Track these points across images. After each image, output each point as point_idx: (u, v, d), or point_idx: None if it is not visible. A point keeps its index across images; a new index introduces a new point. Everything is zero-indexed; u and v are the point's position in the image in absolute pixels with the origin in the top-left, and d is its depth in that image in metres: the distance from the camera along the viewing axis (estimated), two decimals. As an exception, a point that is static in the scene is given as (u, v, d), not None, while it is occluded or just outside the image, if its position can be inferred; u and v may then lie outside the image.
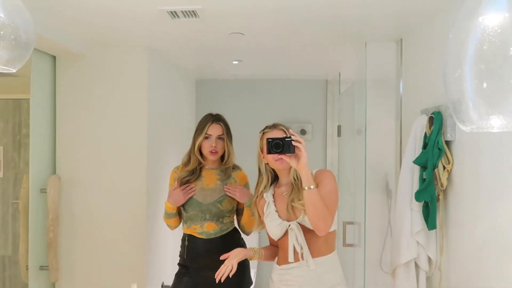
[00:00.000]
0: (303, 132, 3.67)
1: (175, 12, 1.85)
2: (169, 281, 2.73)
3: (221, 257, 1.69)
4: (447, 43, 0.94)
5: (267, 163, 1.65)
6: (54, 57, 2.41)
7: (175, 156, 2.97)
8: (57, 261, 2.34)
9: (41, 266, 2.34)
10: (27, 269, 2.30)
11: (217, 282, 1.64)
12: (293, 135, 1.52)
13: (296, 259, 1.57)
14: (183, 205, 1.98)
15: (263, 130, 1.68)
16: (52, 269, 2.32)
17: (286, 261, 1.60)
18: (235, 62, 3.01)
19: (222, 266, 1.64)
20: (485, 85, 0.88)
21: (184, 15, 1.89)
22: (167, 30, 2.15)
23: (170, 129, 2.96)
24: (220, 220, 1.96)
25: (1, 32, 0.97)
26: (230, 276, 1.64)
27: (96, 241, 2.42)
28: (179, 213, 2.03)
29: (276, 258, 1.71)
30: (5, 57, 0.98)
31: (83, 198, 2.43)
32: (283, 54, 2.81)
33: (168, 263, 2.85)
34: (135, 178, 2.42)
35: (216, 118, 1.96)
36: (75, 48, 2.28)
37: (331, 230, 1.58)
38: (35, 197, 2.28)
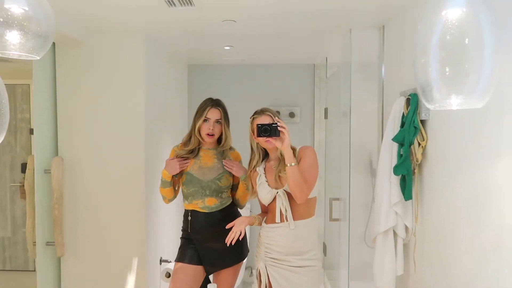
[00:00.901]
0: (291, 115, 3.81)
1: (172, 0, 1.97)
2: (167, 256, 2.91)
3: (227, 226, 1.95)
4: (416, 33, 1.10)
5: (258, 143, 1.95)
6: (53, 43, 2.50)
7: (170, 137, 3.11)
8: (62, 237, 2.48)
9: (47, 242, 2.47)
10: (34, 245, 2.43)
11: (228, 245, 1.91)
12: (279, 122, 1.85)
13: (281, 220, 1.89)
14: (183, 183, 2.14)
15: (253, 115, 1.97)
16: (58, 245, 2.46)
17: (273, 221, 1.92)
18: (227, 48, 3.13)
19: (231, 232, 1.92)
20: (446, 69, 1.04)
21: (181, 4, 2.01)
22: (164, 17, 2.25)
23: (165, 111, 3.08)
24: (219, 195, 2.13)
25: (25, 24, 1.09)
26: (240, 239, 1.94)
27: (99, 218, 2.56)
28: (174, 186, 2.18)
29: (265, 218, 2.00)
30: (30, 46, 1.10)
31: (85, 177, 2.55)
32: (272, 40, 2.93)
33: (166, 239, 3.02)
34: (134, 157, 2.55)
35: (215, 103, 2.10)
36: (74, 34, 2.37)
37: (311, 197, 1.90)
38: (40, 177, 2.40)
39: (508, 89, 1.21)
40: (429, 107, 1.11)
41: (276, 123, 1.84)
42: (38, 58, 1.14)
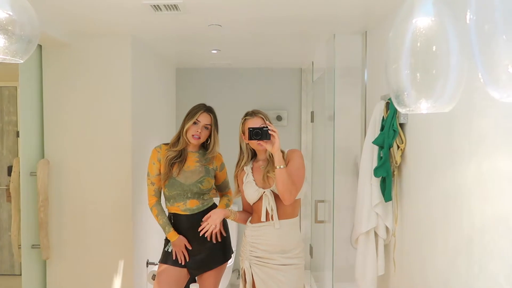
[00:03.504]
0: (279, 118, 3.86)
1: (158, 5, 2.00)
2: (154, 259, 2.92)
3: (203, 219, 2.00)
4: (388, 40, 1.15)
5: (248, 143, 2.00)
6: (40, 46, 2.51)
7: (157, 140, 3.12)
8: (48, 240, 2.47)
9: (33, 245, 2.46)
10: (19, 248, 2.43)
11: (200, 235, 1.96)
12: (270, 126, 1.90)
13: (267, 219, 1.94)
14: (165, 186, 2.16)
15: (244, 116, 2.01)
16: (43, 248, 2.45)
17: (258, 221, 1.97)
18: (214, 52, 3.16)
19: (205, 224, 1.97)
20: (415, 75, 1.09)
21: (166, 8, 2.04)
22: (150, 22, 2.28)
23: (152, 115, 3.10)
24: (201, 197, 2.16)
25: (10, 28, 1.12)
26: (217, 233, 2.01)
27: (85, 221, 2.57)
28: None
29: (250, 218, 2.05)
30: (14, 50, 1.12)
31: (71, 180, 2.56)
32: (259, 45, 2.97)
33: (153, 242, 3.03)
34: (120, 160, 2.57)
35: (208, 109, 2.16)
36: (61, 37, 2.38)
37: (296, 198, 1.94)
38: (25, 180, 2.40)
39: (476, 95, 1.27)
40: (401, 111, 1.15)
41: (267, 127, 1.91)
42: (22, 61, 1.16)
